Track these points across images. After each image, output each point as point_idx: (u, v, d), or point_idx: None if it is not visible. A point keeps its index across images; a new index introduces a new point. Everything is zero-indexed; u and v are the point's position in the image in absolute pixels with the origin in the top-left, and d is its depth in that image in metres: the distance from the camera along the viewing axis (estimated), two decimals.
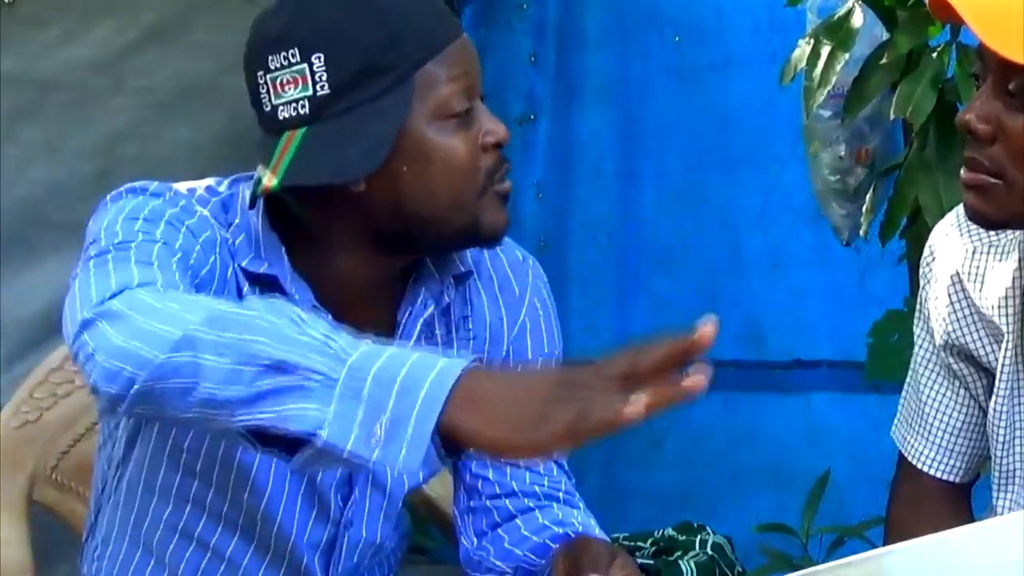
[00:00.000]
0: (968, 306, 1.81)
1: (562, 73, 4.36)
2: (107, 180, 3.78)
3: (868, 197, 3.11)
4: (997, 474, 1.82)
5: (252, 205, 1.73)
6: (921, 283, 1.89)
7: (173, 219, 1.68)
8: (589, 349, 4.24)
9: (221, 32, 3.67)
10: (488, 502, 1.86)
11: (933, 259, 1.85)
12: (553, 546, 1.79)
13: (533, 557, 1.82)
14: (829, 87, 2.87)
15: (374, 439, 1.34)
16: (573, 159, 4.35)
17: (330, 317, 1.71)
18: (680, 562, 3.72)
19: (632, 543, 3.80)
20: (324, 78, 1.66)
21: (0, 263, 3.64)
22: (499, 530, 1.85)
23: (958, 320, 1.82)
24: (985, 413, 1.83)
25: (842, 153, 3.12)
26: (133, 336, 1.45)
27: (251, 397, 1.39)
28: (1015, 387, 1.78)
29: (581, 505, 1.90)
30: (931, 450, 1.89)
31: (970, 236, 1.81)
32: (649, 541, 3.82)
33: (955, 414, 1.87)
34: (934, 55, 2.80)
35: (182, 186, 1.76)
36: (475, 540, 1.86)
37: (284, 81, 1.68)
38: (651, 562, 3.74)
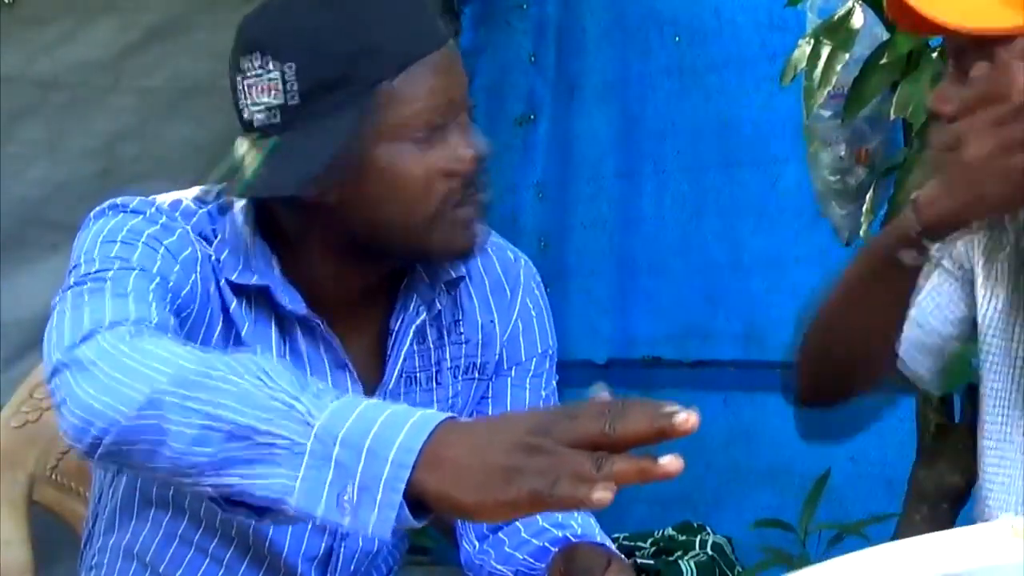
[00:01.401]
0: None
1: (562, 73, 4.36)
2: (107, 180, 3.80)
3: (868, 197, 3.11)
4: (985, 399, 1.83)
5: (223, 212, 1.72)
6: None
7: (152, 240, 1.66)
8: (589, 349, 4.26)
9: (221, 32, 3.65)
10: None
11: None
12: (552, 549, 1.78)
13: (532, 561, 1.82)
14: (829, 87, 2.87)
15: (345, 505, 1.31)
16: (573, 159, 4.35)
17: (323, 325, 1.72)
18: (680, 562, 3.72)
19: (632, 543, 3.80)
20: (295, 87, 1.64)
21: (0, 263, 3.64)
22: (500, 533, 1.85)
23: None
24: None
25: (842, 153, 3.12)
26: (101, 392, 1.44)
27: (218, 463, 1.36)
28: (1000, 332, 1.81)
29: None
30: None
31: None
32: (649, 541, 3.82)
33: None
34: (934, 55, 2.79)
35: (168, 198, 1.75)
36: (476, 544, 1.86)
37: (260, 88, 1.66)
38: (651, 562, 3.75)
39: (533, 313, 1.88)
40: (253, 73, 1.66)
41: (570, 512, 1.85)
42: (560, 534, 1.81)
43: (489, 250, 1.85)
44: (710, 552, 3.77)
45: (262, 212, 1.74)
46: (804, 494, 3.49)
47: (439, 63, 1.66)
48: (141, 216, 1.69)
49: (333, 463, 1.31)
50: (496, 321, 1.85)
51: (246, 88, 1.67)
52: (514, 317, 1.86)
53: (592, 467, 1.28)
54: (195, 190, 1.78)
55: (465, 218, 1.69)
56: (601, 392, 1.31)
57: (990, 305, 1.82)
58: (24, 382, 2.11)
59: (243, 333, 1.72)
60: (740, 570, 3.80)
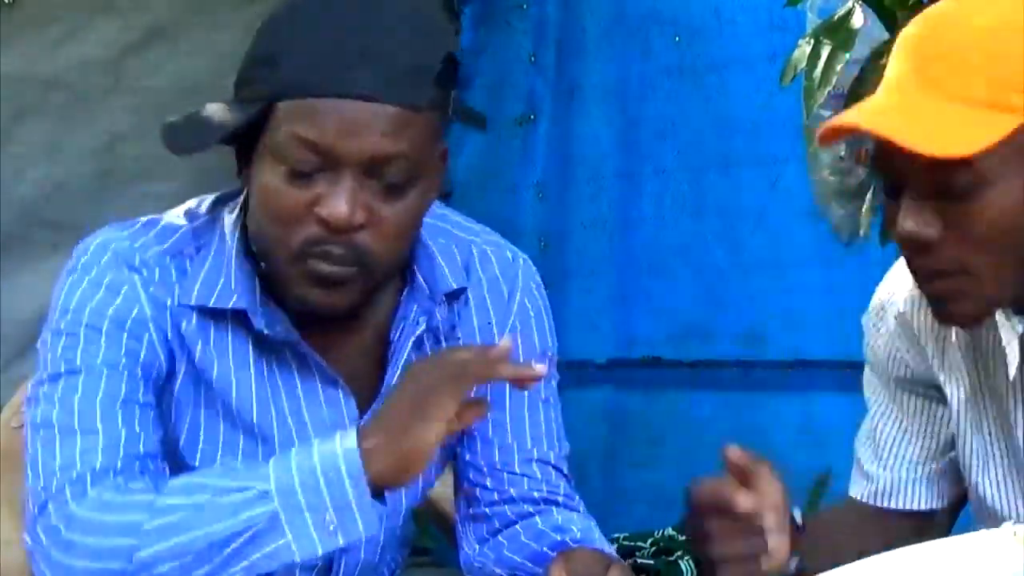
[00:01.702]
0: (920, 350, 1.81)
1: (562, 73, 4.36)
2: (107, 180, 3.81)
3: (868, 197, 3.11)
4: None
5: (214, 224, 1.73)
6: (867, 340, 1.87)
7: (113, 323, 1.67)
8: (589, 349, 4.26)
9: (221, 32, 3.67)
10: (487, 509, 1.85)
11: (880, 315, 1.84)
12: (551, 554, 1.77)
13: (531, 565, 1.81)
14: (829, 87, 2.87)
15: (332, 530, 1.56)
16: (573, 159, 4.35)
17: (304, 345, 1.71)
18: (680, 562, 3.72)
19: (632, 543, 3.80)
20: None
21: (0, 263, 3.64)
22: (499, 536, 1.85)
23: (916, 359, 1.82)
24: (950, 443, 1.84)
25: (842, 153, 3.13)
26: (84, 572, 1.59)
27: (219, 567, 1.56)
28: (973, 428, 1.78)
29: (581, 508, 1.89)
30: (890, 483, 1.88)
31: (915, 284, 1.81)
32: (649, 541, 3.82)
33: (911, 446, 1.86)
34: None
35: (144, 226, 1.73)
36: (476, 547, 1.86)
37: None
38: (651, 562, 3.74)
39: (532, 314, 1.87)
40: None
41: (570, 517, 1.85)
42: (559, 538, 1.81)
43: (488, 251, 1.85)
44: None
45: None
46: (804, 493, 3.49)
47: (338, 111, 1.58)
48: (101, 289, 1.69)
49: (305, 508, 1.55)
50: (494, 323, 1.83)
51: None
52: (512, 319, 1.85)
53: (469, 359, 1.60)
54: (189, 204, 1.78)
55: (316, 272, 1.62)
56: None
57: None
58: (24, 382, 2.11)
59: (214, 374, 1.72)
60: None
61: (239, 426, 1.74)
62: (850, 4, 2.93)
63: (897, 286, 1.83)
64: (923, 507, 1.87)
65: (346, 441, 1.56)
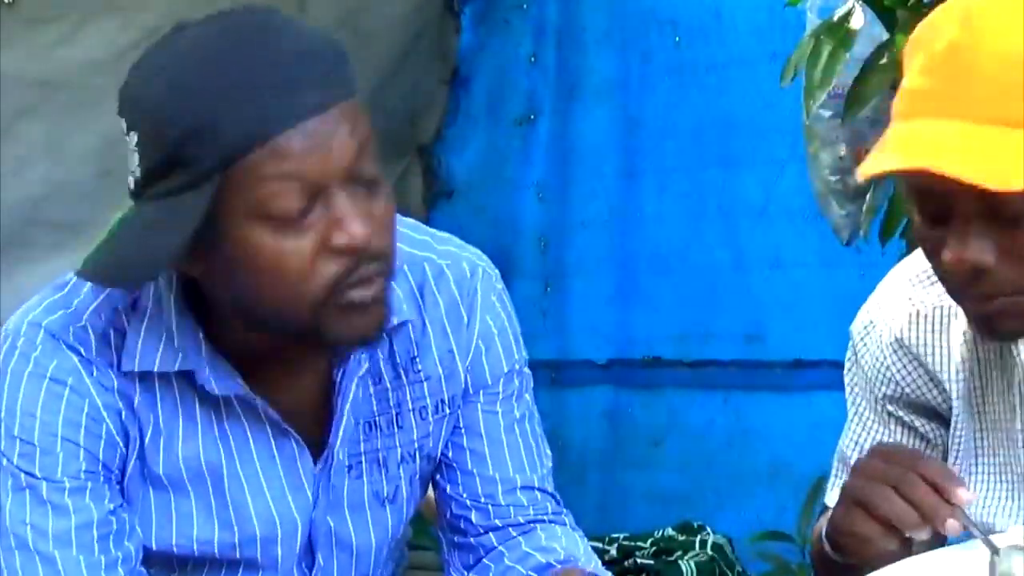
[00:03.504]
0: (917, 367, 1.80)
1: (562, 73, 4.36)
2: (107, 180, 3.80)
3: (868, 197, 3.11)
4: None
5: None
6: (853, 352, 1.87)
7: (67, 427, 1.63)
8: (589, 349, 4.26)
9: None
10: (472, 539, 1.82)
11: (868, 331, 1.84)
12: None
13: None
14: (829, 87, 2.87)
15: None
16: (573, 159, 4.35)
17: (259, 402, 1.66)
18: (680, 562, 3.72)
19: (632, 543, 3.80)
20: (137, 160, 1.52)
21: (0, 263, 3.64)
22: (485, 560, 1.82)
23: (908, 377, 1.81)
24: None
25: (842, 153, 3.12)
26: None
27: None
28: (971, 446, 1.78)
29: (567, 522, 1.86)
30: None
31: (910, 299, 1.80)
32: (649, 541, 3.82)
33: None
34: None
35: (74, 287, 1.66)
36: (465, 573, 1.84)
37: (130, 152, 1.55)
38: (651, 562, 3.74)
39: (495, 331, 1.78)
40: (123, 130, 1.56)
41: (553, 533, 1.83)
42: (543, 560, 1.79)
43: (443, 267, 1.75)
44: (710, 552, 3.77)
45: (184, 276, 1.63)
46: (804, 494, 3.49)
47: (314, 132, 1.48)
48: (42, 375, 1.63)
49: None
50: (455, 350, 1.75)
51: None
52: (474, 341, 1.76)
53: None
54: None
55: (360, 301, 1.53)
56: None
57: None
58: None
59: (162, 442, 1.67)
60: (740, 570, 3.80)
61: (188, 494, 1.69)
62: (850, 4, 2.93)
63: (888, 305, 1.81)
64: None
65: None
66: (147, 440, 1.66)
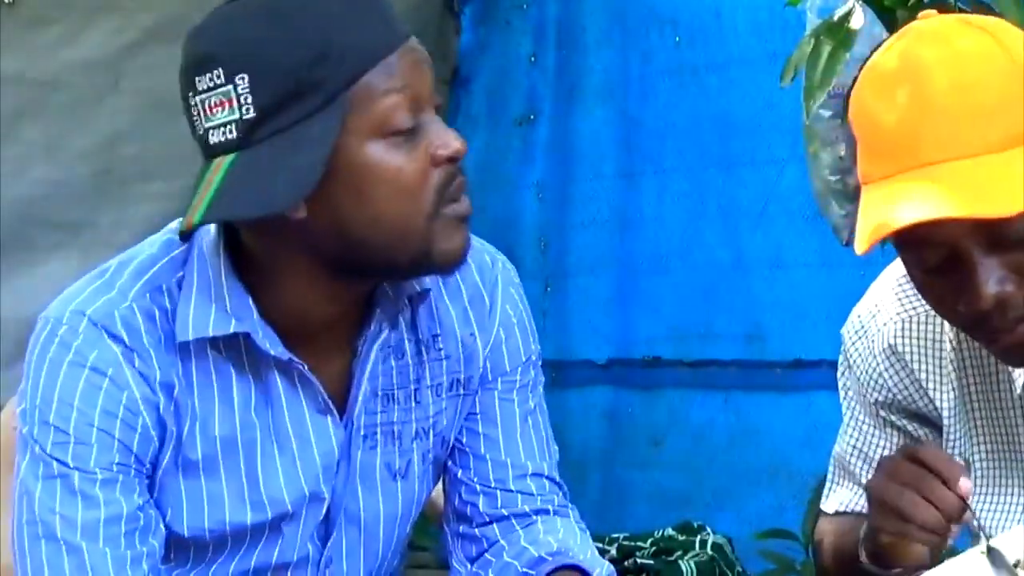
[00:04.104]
0: (908, 375, 1.80)
1: (562, 73, 4.36)
2: (107, 180, 3.81)
3: None
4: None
5: (185, 239, 1.64)
6: (845, 357, 1.87)
7: (104, 417, 1.64)
8: (589, 349, 4.26)
9: None
10: (478, 530, 1.84)
11: (860, 336, 1.83)
12: (530, 572, 1.78)
13: None
14: (829, 87, 2.87)
15: None
16: (573, 159, 4.35)
17: (305, 368, 1.68)
18: (680, 562, 3.72)
19: (632, 543, 3.80)
20: (249, 100, 1.56)
21: (0, 263, 3.64)
22: (487, 554, 1.84)
23: (899, 385, 1.81)
24: None
25: (842, 153, 3.12)
26: None
27: None
28: (968, 448, 1.78)
29: (572, 515, 1.88)
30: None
31: (902, 304, 1.80)
32: (649, 541, 3.82)
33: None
34: None
35: (116, 270, 1.68)
36: (468, 565, 1.85)
37: (212, 104, 1.59)
38: (651, 562, 3.75)
39: (514, 320, 1.84)
40: (204, 88, 1.60)
41: (552, 525, 1.84)
42: (536, 554, 1.80)
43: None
44: (710, 552, 3.77)
45: (232, 245, 1.67)
46: (804, 494, 3.49)
47: (407, 56, 1.61)
48: (82, 365, 1.65)
49: None
50: (476, 334, 1.80)
51: (199, 104, 1.60)
52: (495, 329, 1.82)
53: None
54: (163, 236, 1.72)
55: (460, 214, 1.64)
56: None
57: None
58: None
59: (195, 433, 1.68)
60: (740, 570, 3.80)
61: (219, 476, 1.70)
62: (850, 4, 2.93)
63: (880, 310, 1.81)
64: None
65: None
66: (185, 430, 1.68)
